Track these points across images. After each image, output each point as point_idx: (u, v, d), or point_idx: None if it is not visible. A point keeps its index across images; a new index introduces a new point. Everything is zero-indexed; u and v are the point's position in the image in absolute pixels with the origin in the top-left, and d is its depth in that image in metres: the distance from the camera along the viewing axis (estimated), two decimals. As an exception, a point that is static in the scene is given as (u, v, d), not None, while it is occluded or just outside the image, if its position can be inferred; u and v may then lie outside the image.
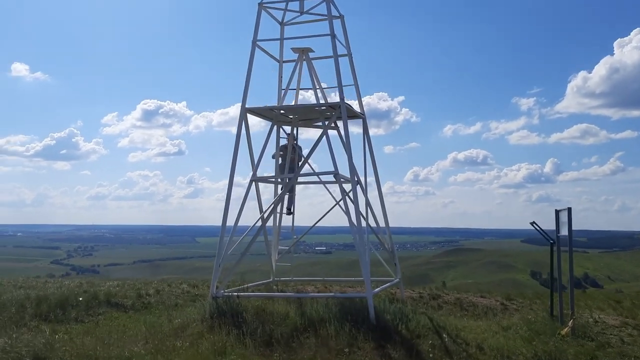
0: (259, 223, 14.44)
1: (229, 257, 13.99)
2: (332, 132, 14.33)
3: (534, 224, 13.88)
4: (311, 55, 15.16)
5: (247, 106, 14.10)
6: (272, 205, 14.64)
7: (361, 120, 15.33)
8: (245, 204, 14.05)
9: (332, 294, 14.30)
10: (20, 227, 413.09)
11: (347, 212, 12.79)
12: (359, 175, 14.04)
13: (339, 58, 13.84)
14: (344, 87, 13.58)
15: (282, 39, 15.51)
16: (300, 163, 14.86)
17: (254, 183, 14.54)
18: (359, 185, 13.66)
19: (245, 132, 14.32)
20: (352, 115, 14.65)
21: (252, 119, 14.49)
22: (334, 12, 14.45)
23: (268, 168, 15.92)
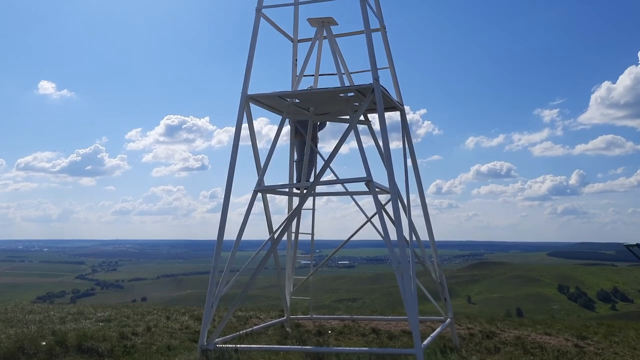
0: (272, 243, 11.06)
1: (235, 277, 10.69)
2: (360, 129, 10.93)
3: (634, 248, 10.34)
4: (334, 30, 11.73)
5: (249, 93, 10.72)
6: (285, 223, 11.10)
7: (398, 113, 11.97)
8: (258, 220, 10.84)
9: (367, 348, 10.76)
10: (46, 242, 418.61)
11: (385, 233, 9.30)
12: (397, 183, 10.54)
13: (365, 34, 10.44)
14: (376, 70, 10.22)
15: (296, 5, 12.02)
16: (316, 167, 11.52)
17: (259, 195, 11.04)
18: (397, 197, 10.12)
19: (248, 127, 10.93)
20: (388, 105, 11.25)
21: (268, 123, 11.18)
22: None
23: (280, 175, 12.41)
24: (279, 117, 11.66)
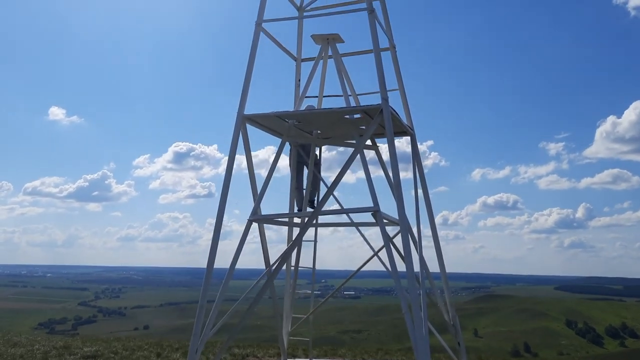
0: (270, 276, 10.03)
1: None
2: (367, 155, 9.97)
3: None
4: (340, 48, 10.84)
5: (246, 113, 9.81)
6: (282, 256, 10.09)
7: (409, 138, 11.04)
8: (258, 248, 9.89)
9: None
10: (50, 267, 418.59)
11: (393, 268, 8.28)
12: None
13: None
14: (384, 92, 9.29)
15: (300, 20, 11.21)
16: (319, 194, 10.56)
17: (255, 225, 10.06)
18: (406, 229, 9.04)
19: (245, 150, 10.01)
20: (398, 129, 10.31)
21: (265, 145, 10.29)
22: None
23: (279, 203, 11.49)
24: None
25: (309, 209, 11.15)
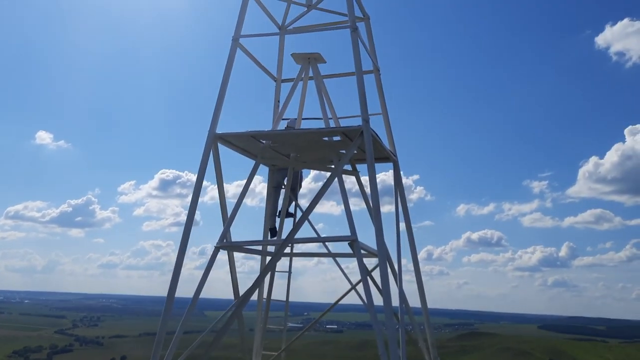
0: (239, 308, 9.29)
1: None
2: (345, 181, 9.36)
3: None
4: (321, 69, 10.29)
5: (218, 132, 9.17)
6: (251, 287, 9.34)
7: (391, 164, 10.46)
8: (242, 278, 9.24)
9: None
10: (28, 293, 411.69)
11: (370, 304, 7.61)
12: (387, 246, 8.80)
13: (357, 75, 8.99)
14: (368, 117, 8.71)
15: (282, 37, 10.66)
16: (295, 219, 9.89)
17: (225, 253, 9.37)
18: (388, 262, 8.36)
19: (215, 171, 9.37)
20: (380, 155, 9.73)
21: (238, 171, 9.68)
22: (358, 13, 9.99)
23: (252, 230, 10.89)
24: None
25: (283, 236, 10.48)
